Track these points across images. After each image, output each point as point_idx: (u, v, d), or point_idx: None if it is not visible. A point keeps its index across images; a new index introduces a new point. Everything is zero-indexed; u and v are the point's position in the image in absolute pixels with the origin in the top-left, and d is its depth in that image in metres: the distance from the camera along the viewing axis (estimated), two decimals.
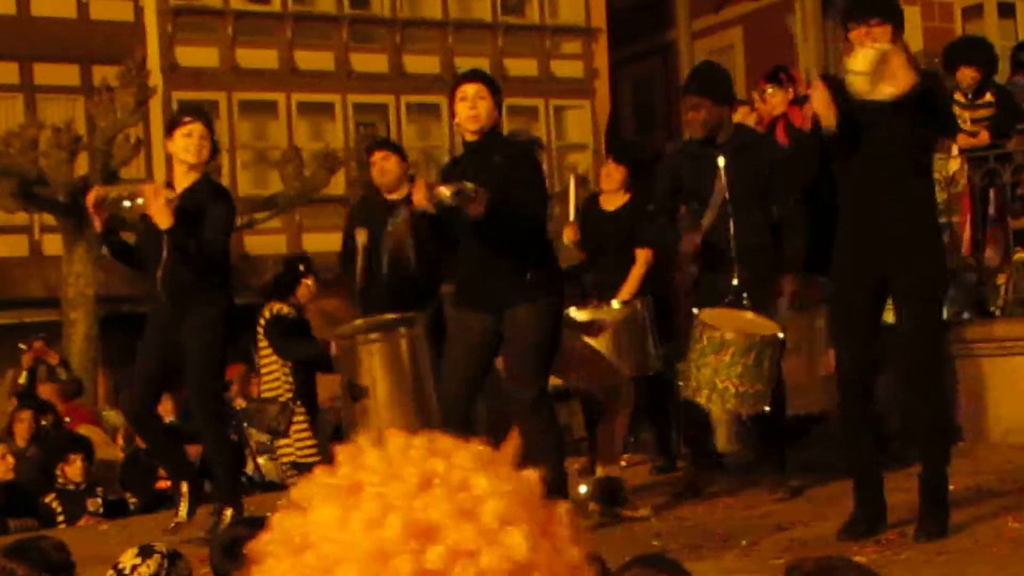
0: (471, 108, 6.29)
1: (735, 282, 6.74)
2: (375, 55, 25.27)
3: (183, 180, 6.94)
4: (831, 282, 6.05)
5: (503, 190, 6.10)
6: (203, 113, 7.49)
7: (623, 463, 8.70)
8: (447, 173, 6.72)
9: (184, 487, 7.13)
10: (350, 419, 7.93)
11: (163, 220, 6.61)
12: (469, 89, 6.33)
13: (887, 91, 5.36)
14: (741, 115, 10.54)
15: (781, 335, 6.49)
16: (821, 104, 5.49)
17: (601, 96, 26.39)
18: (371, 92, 24.93)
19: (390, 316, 7.91)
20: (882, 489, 5.79)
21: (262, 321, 9.77)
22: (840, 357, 5.91)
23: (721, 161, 6.81)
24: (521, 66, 26.41)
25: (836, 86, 5.63)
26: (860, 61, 5.39)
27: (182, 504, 7.11)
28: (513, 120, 26.79)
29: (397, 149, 8.76)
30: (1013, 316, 8.68)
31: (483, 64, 25.72)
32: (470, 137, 6.39)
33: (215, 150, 7.39)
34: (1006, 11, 25.42)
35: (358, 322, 8.10)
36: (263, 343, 9.85)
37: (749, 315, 6.65)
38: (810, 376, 6.78)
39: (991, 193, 9.01)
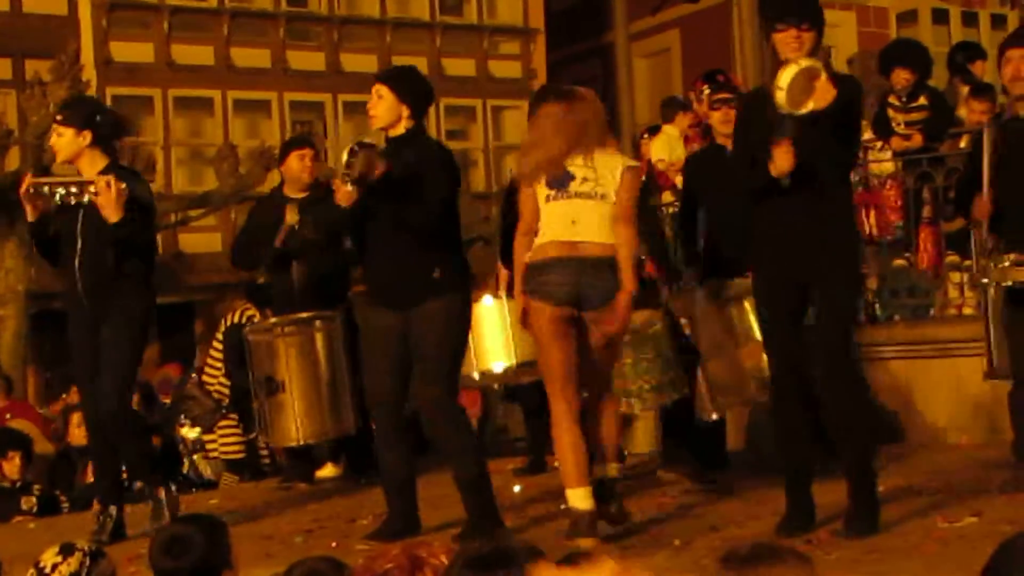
0: (371, 108, 6.44)
1: None
2: (312, 53, 25.17)
3: (89, 170, 6.80)
4: (754, 285, 6.08)
5: (414, 185, 6.20)
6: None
7: (558, 463, 8.70)
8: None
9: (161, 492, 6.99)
10: (265, 414, 7.91)
11: (113, 213, 6.53)
12: (374, 88, 6.44)
13: (810, 106, 5.45)
14: (679, 118, 10.60)
15: (658, 315, 6.63)
16: (785, 161, 5.50)
17: None
18: (308, 90, 24.82)
19: (306, 314, 7.93)
20: (810, 487, 5.83)
21: (228, 321, 9.51)
22: (770, 357, 5.95)
23: None
24: (459, 66, 26.40)
25: (763, 98, 5.68)
26: (786, 77, 5.46)
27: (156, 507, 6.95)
28: (450, 120, 26.78)
29: (319, 154, 8.79)
30: (944, 319, 8.77)
31: (421, 63, 25.64)
32: (390, 133, 6.45)
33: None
34: (940, 17, 25.69)
35: (273, 319, 8.11)
36: (218, 344, 9.66)
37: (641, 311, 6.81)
38: (734, 372, 6.80)
39: (925, 195, 9.09)
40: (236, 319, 9.26)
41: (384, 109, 6.39)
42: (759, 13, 6.05)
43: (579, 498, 5.72)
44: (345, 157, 6.18)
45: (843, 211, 5.86)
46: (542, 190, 5.86)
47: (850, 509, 5.68)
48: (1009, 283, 6.16)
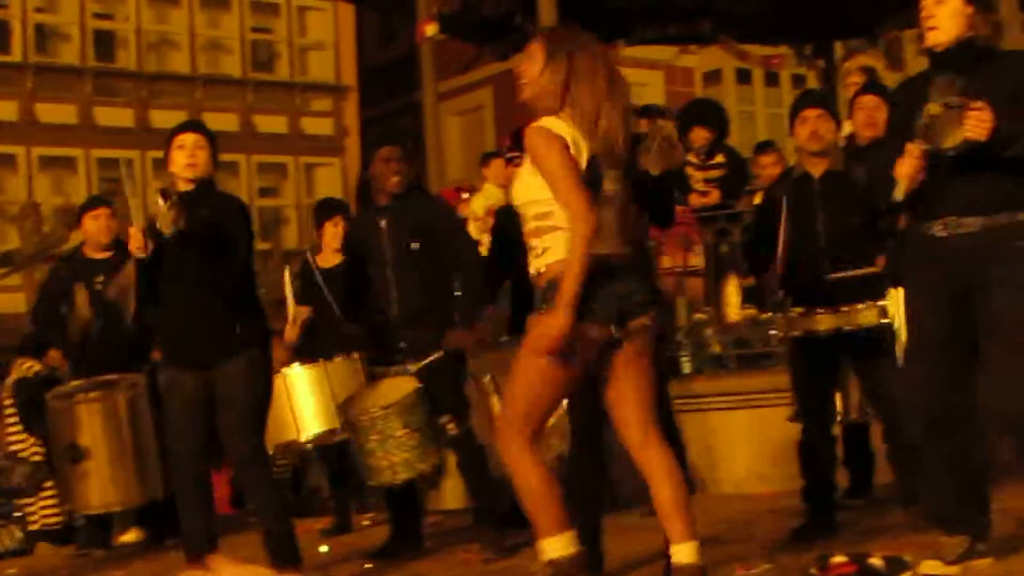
0: (190, 157, 6.37)
1: (401, 345, 6.96)
2: (120, 109, 24.82)
3: None
4: None
5: (211, 241, 6.17)
6: None
7: (365, 521, 8.68)
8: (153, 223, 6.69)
9: None
10: (68, 483, 7.71)
11: None
12: (188, 139, 6.39)
13: (659, 168, 5.56)
14: (495, 169, 10.72)
15: (413, 388, 6.70)
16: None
17: (351, 154, 26.41)
18: (116, 146, 24.42)
19: (109, 376, 7.79)
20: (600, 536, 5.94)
21: (9, 379, 9.29)
22: (572, 410, 6.01)
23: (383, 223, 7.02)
24: (271, 122, 26.29)
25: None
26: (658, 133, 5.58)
27: None
28: (262, 176, 26.60)
29: (116, 212, 8.66)
30: (742, 370, 8.98)
31: (231, 120, 25.51)
32: (184, 186, 6.38)
33: None
34: (743, 77, 26.43)
35: (75, 383, 7.94)
36: (7, 402, 9.41)
37: (395, 380, 6.89)
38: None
39: (723, 249, 9.31)
40: (24, 374, 9.04)
41: (204, 159, 6.39)
42: None
43: (563, 544, 4.92)
44: (161, 203, 6.05)
45: (654, 266, 5.97)
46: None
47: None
48: (797, 333, 6.37)
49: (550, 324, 4.65)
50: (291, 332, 8.24)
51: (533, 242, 4.83)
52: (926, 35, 5.16)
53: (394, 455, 6.74)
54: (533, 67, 4.80)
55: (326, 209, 8.73)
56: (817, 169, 6.53)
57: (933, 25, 5.13)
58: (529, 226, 4.84)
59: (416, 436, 6.72)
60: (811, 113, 6.55)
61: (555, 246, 4.75)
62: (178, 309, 6.30)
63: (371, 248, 7.08)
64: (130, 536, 8.58)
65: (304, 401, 7.57)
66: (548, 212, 4.74)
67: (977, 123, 4.84)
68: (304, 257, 8.83)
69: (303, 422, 7.57)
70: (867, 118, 7.09)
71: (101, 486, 7.62)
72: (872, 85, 8.37)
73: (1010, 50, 5.25)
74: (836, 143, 6.62)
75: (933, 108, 4.90)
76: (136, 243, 6.15)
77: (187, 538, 6.49)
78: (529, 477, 4.82)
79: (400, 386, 6.88)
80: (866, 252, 6.32)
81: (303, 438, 7.60)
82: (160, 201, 6.03)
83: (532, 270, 4.86)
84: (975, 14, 5.14)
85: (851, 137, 7.36)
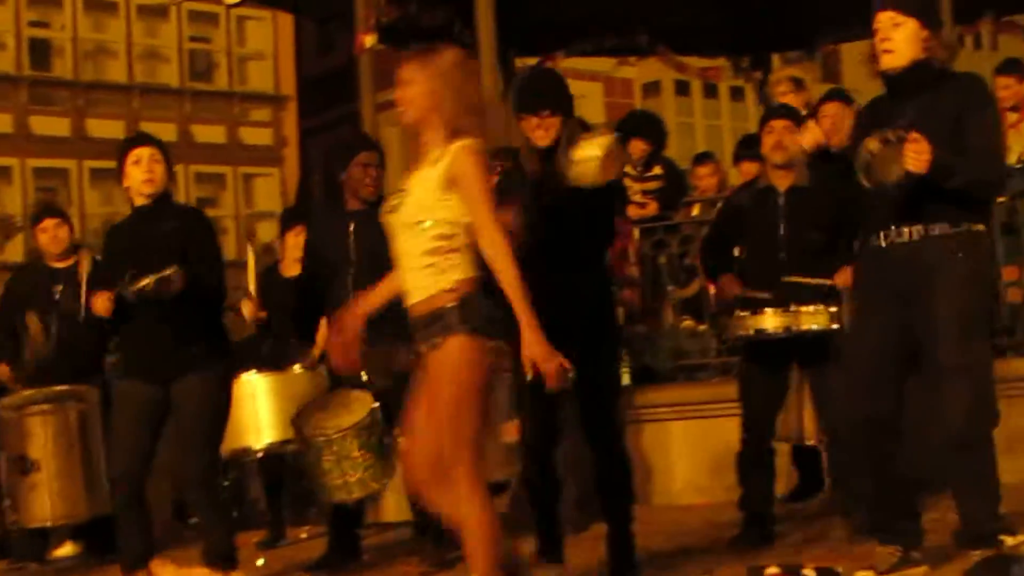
0: (147, 172, 6.28)
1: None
2: (56, 118, 24.62)
3: None
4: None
5: (177, 257, 6.10)
6: None
7: (303, 534, 8.63)
8: (111, 240, 6.62)
9: None
10: (16, 495, 7.63)
11: None
12: (144, 153, 6.30)
13: (610, 176, 5.58)
14: None
15: (370, 408, 6.63)
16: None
17: (290, 164, 26.35)
18: (52, 156, 24.25)
19: (60, 388, 7.70)
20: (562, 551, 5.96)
21: None
22: (524, 428, 6.03)
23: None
24: (209, 132, 26.17)
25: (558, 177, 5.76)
26: (599, 146, 5.55)
27: None
28: (200, 186, 26.44)
29: (67, 216, 8.56)
30: (680, 381, 9.02)
31: (169, 129, 25.34)
32: (141, 201, 6.31)
33: None
34: (682, 89, 26.59)
35: (27, 392, 7.85)
36: None
37: (354, 396, 6.85)
38: (493, 445, 6.87)
39: (661, 260, 9.34)
40: None
41: (161, 173, 6.33)
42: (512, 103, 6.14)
43: None
44: (152, 282, 6.05)
45: (601, 287, 5.99)
46: None
47: (612, 570, 5.81)
48: (746, 332, 6.39)
49: (540, 348, 4.51)
50: (249, 309, 8.21)
51: (428, 260, 4.60)
52: (881, 58, 5.18)
53: (349, 475, 6.71)
54: (414, 89, 4.72)
55: (289, 218, 8.70)
56: (782, 183, 6.56)
57: (889, 48, 5.15)
58: (425, 245, 4.61)
59: (371, 456, 6.69)
60: (777, 124, 6.59)
61: (456, 267, 4.59)
62: (141, 320, 6.24)
63: (335, 253, 6.99)
64: (65, 550, 8.48)
65: (261, 409, 7.48)
66: (455, 233, 4.60)
67: (915, 157, 4.88)
68: (269, 265, 8.83)
69: (259, 430, 7.48)
70: (831, 126, 7.07)
71: (49, 499, 7.54)
72: (836, 92, 8.42)
73: (960, 72, 5.30)
74: (801, 156, 6.61)
75: (871, 144, 4.95)
76: (102, 307, 6.19)
77: (124, 552, 6.44)
78: (484, 515, 4.56)
79: (358, 404, 6.80)
80: (827, 268, 6.35)
81: (257, 446, 7.49)
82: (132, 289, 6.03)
83: (420, 290, 4.61)
84: (930, 37, 5.17)
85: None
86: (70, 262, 8.13)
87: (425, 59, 4.78)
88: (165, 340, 6.20)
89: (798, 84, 9.29)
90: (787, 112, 6.85)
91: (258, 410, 7.45)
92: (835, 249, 6.29)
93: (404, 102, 4.74)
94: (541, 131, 5.76)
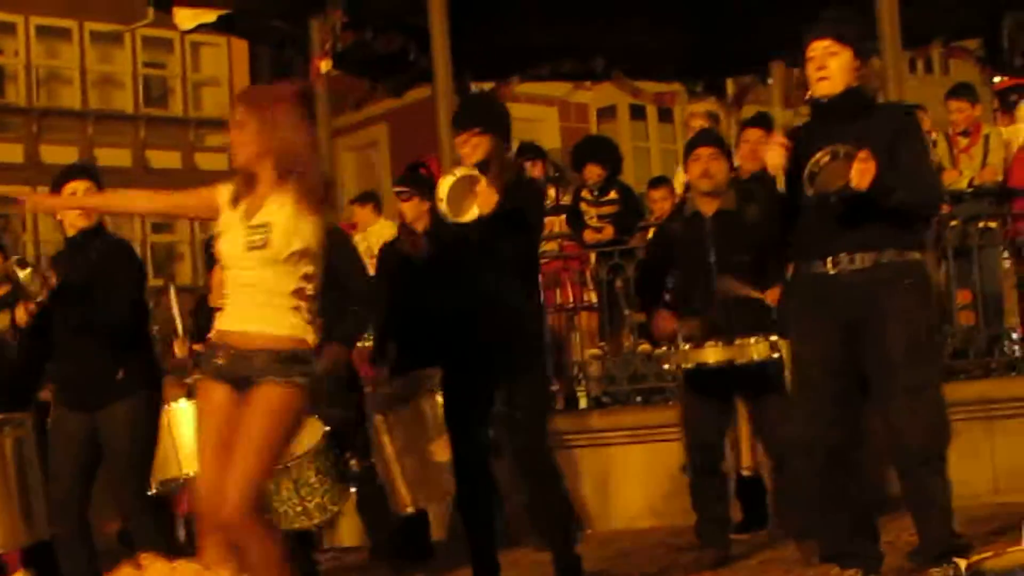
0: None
1: None
2: (10, 144, 24.45)
3: None
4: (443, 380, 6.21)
5: (97, 286, 6.22)
6: None
7: None
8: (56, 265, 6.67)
9: None
10: None
11: None
12: (79, 187, 6.33)
13: (472, 214, 5.65)
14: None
15: (322, 433, 6.62)
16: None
17: None
18: (5, 183, 24.02)
19: None
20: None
21: None
22: (456, 446, 6.05)
23: None
24: (164, 158, 26.01)
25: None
26: (443, 188, 5.66)
27: None
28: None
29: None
30: (637, 404, 9.03)
31: (124, 155, 25.23)
32: (72, 232, 6.40)
33: None
34: (637, 113, 26.66)
35: None
36: None
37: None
38: (425, 467, 6.86)
39: (618, 284, 9.37)
40: None
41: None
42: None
43: None
44: (21, 273, 6.09)
45: (521, 305, 6.03)
46: None
47: None
48: (689, 366, 6.42)
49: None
50: (181, 348, 8.18)
51: (293, 301, 4.65)
52: (816, 85, 5.29)
53: (308, 500, 6.68)
54: (247, 131, 4.70)
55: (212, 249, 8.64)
56: (709, 208, 6.60)
57: (825, 76, 5.26)
58: (292, 284, 4.65)
59: (327, 480, 6.67)
60: (704, 152, 6.63)
61: (313, 316, 4.68)
62: (65, 350, 6.34)
63: None
64: None
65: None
66: (316, 277, 4.69)
67: (861, 173, 4.98)
68: (201, 294, 8.77)
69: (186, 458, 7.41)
70: (751, 151, 7.19)
71: None
72: (760, 117, 8.51)
73: (886, 103, 5.43)
74: (728, 182, 6.67)
75: (822, 157, 5.03)
76: (21, 319, 6.32)
77: None
78: (276, 547, 4.60)
79: (309, 430, 6.77)
80: (758, 289, 6.39)
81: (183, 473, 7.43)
82: (19, 271, 6.07)
83: (269, 325, 4.63)
84: (861, 66, 5.31)
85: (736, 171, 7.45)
86: (2, 291, 8.11)
87: (257, 102, 4.78)
88: (88, 369, 6.27)
89: (714, 118, 9.45)
90: (712, 139, 6.90)
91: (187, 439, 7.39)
92: (764, 271, 6.34)
93: (236, 144, 4.74)
94: (468, 148, 5.95)
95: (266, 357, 4.59)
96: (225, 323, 4.72)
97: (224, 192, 4.79)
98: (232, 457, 4.53)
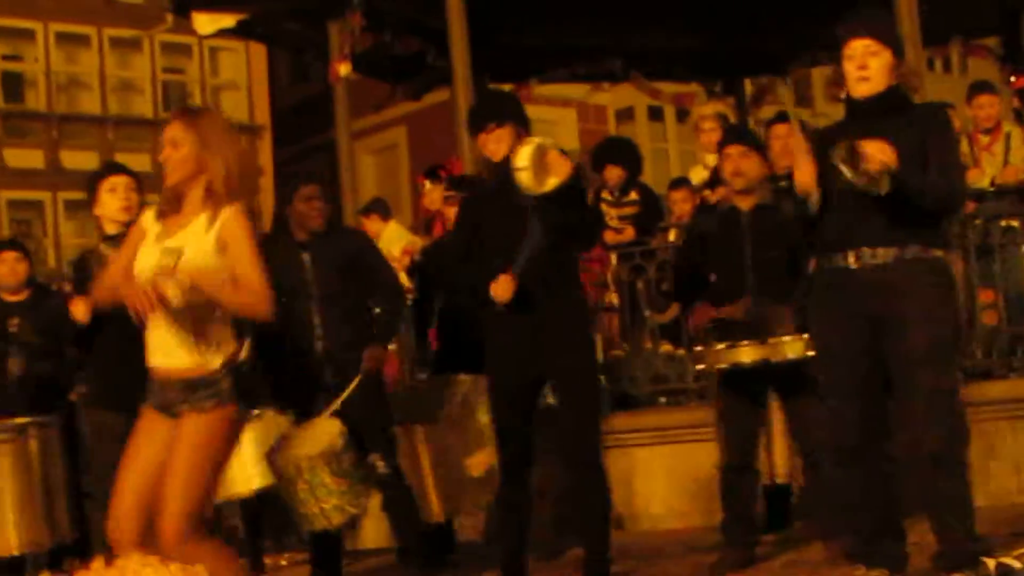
0: (124, 200, 6.40)
1: (330, 382, 6.90)
2: (30, 150, 24.55)
3: None
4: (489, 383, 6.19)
5: None
6: None
7: (283, 562, 8.60)
8: (85, 265, 6.68)
9: None
10: None
11: None
12: (120, 181, 6.39)
13: (552, 182, 5.62)
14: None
15: (340, 433, 6.61)
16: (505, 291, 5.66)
17: (266, 193, 26.29)
18: (26, 188, 24.17)
19: (21, 420, 7.70)
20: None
21: None
22: (502, 447, 6.05)
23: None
24: None
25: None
26: (523, 157, 5.59)
27: None
28: None
29: (28, 253, 8.59)
30: (660, 406, 9.02)
31: (144, 160, 25.30)
32: (113, 229, 6.39)
33: None
34: (655, 115, 26.64)
35: None
36: None
37: (322, 424, 6.81)
38: (460, 480, 6.87)
39: (639, 286, 9.36)
40: None
41: (138, 202, 6.41)
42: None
43: None
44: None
45: (577, 303, 6.03)
46: None
47: None
48: (724, 366, 6.40)
49: None
50: None
51: (203, 327, 4.63)
52: (855, 85, 5.26)
53: (325, 501, 6.67)
54: (181, 151, 4.71)
55: None
56: (745, 203, 6.59)
57: (866, 76, 5.23)
58: (200, 310, 4.60)
59: (345, 481, 6.66)
60: (734, 150, 6.62)
61: (227, 338, 4.67)
62: (110, 351, 6.21)
63: (295, 283, 7.00)
64: None
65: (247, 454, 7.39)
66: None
67: (881, 150, 4.94)
68: None
69: (248, 478, 7.39)
70: (782, 148, 7.15)
71: (9, 529, 7.51)
72: (783, 115, 8.48)
73: (923, 102, 5.39)
74: (760, 177, 6.64)
75: (845, 144, 5.00)
76: (80, 313, 6.19)
77: None
78: (225, 565, 4.65)
79: (325, 431, 6.79)
80: (791, 286, 6.37)
81: (246, 491, 7.41)
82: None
83: (189, 353, 4.65)
84: (899, 64, 5.29)
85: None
86: (23, 296, 8.15)
87: (191, 121, 4.78)
88: (133, 369, 6.20)
89: (723, 120, 9.42)
90: (740, 137, 6.89)
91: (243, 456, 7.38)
92: (797, 270, 6.32)
93: (169, 162, 4.74)
94: (493, 144, 5.92)
95: (178, 387, 4.65)
96: (149, 354, 4.76)
97: (149, 215, 4.82)
98: (160, 488, 4.58)
